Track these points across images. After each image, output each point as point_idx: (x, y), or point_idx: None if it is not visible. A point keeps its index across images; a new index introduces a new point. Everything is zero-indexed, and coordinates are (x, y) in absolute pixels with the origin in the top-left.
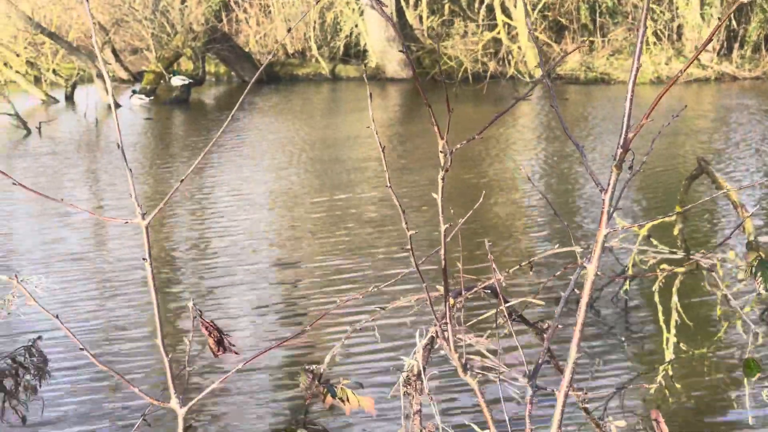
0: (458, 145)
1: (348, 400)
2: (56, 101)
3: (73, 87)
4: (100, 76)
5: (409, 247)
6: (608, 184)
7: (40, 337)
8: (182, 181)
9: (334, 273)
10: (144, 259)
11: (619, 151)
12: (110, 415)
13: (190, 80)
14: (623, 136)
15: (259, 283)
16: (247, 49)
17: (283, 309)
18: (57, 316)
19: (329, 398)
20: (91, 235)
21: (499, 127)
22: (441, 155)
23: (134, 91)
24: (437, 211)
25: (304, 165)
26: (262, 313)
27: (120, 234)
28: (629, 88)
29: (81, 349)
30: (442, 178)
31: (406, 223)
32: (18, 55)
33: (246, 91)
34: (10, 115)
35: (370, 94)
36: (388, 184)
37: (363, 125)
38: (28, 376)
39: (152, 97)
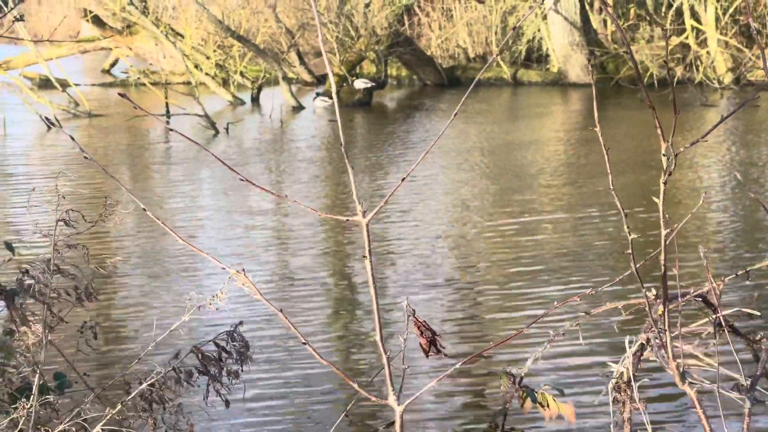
0: (682, 149)
1: (548, 405)
2: (243, 103)
3: (259, 89)
4: (285, 78)
5: (630, 251)
6: None
7: (241, 323)
8: (403, 179)
9: (541, 275)
10: (364, 256)
11: None
12: (309, 410)
13: (373, 83)
14: None
15: (457, 284)
16: (428, 53)
17: (489, 308)
18: (281, 310)
19: (529, 403)
20: (279, 231)
21: (680, 133)
22: (664, 158)
23: (318, 94)
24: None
25: (484, 168)
26: (464, 314)
27: (305, 231)
28: None
29: (303, 343)
30: (665, 182)
31: (627, 226)
32: (208, 58)
33: (465, 96)
34: (200, 116)
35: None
36: (611, 187)
37: (545, 130)
38: (230, 361)
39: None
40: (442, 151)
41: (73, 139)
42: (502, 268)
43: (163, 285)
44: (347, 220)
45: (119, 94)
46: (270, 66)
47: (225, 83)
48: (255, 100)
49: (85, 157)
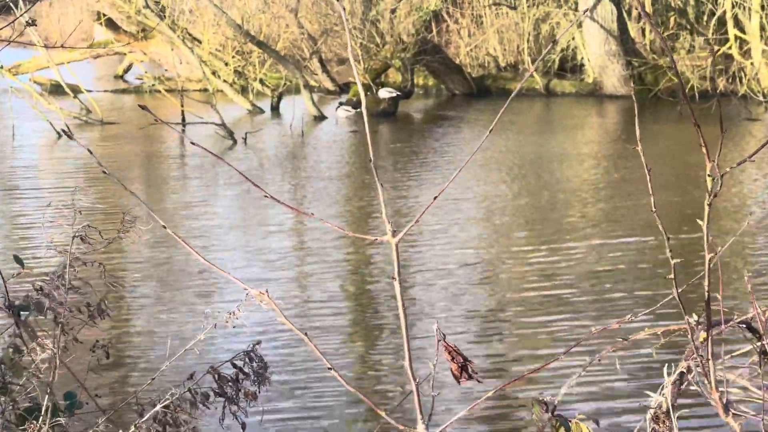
0: (728, 169)
1: None
2: (262, 111)
3: (279, 97)
4: (307, 86)
5: (672, 276)
6: None
7: (259, 342)
8: (435, 198)
9: (576, 300)
10: (393, 278)
11: None
12: None
13: (398, 93)
14: None
15: (488, 308)
16: (457, 61)
17: (522, 334)
18: (306, 334)
19: None
20: (301, 249)
21: (723, 148)
22: (708, 179)
23: (341, 103)
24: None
25: (516, 184)
26: (496, 339)
27: (328, 250)
28: None
29: (329, 368)
30: (709, 204)
31: (670, 250)
32: (226, 64)
33: (501, 112)
34: (217, 125)
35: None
36: (654, 209)
37: (579, 144)
38: (247, 382)
39: (358, 109)
40: (471, 165)
41: (91, 152)
42: (535, 291)
43: (179, 302)
44: (376, 240)
45: (140, 106)
46: (291, 73)
47: (243, 91)
48: (275, 109)
49: (104, 172)
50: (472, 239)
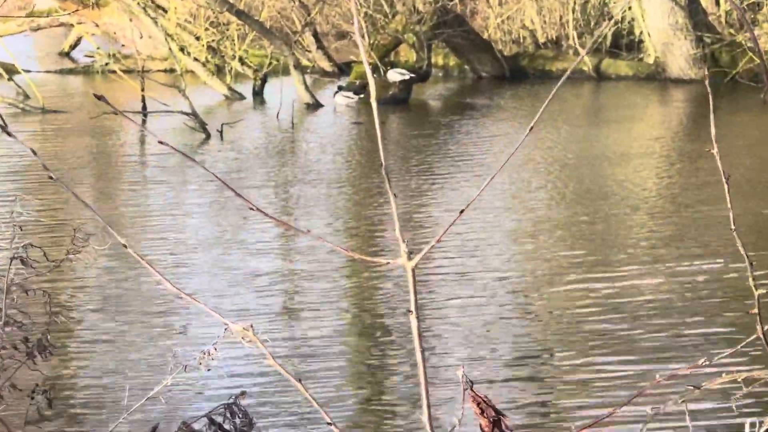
0: None
1: None
2: (242, 97)
3: (264, 80)
4: (298, 66)
5: (756, 310)
6: None
7: (243, 393)
8: (462, 212)
9: (635, 337)
10: (409, 311)
11: None
12: None
13: (412, 74)
14: None
15: (525, 346)
16: (485, 36)
17: (567, 380)
18: (300, 380)
19: None
20: (291, 272)
21: None
22: None
23: (340, 87)
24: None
25: (559, 190)
26: (535, 386)
27: (323, 273)
28: None
29: (329, 424)
30: None
31: (753, 277)
32: (198, 39)
33: (546, 103)
34: (186, 114)
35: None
36: (733, 227)
37: (638, 140)
38: None
39: (362, 95)
40: (505, 167)
41: (34, 153)
42: (582, 326)
43: (141, 338)
44: (387, 263)
45: (95, 95)
46: (278, 50)
47: (219, 72)
48: (258, 94)
49: (50, 177)
50: (507, 261)
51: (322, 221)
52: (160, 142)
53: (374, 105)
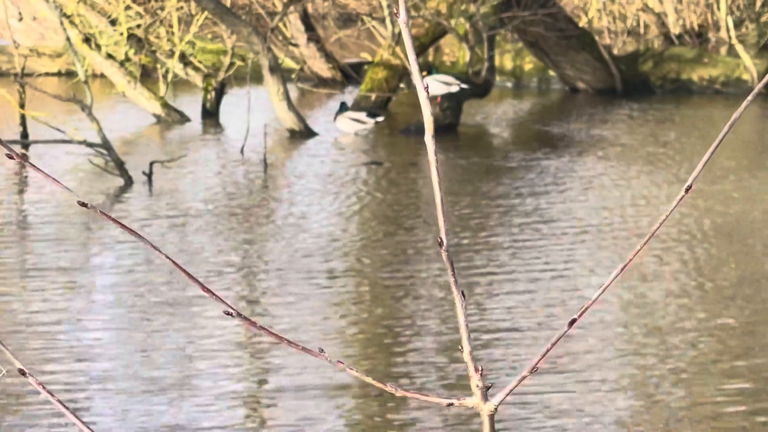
0: None
1: None
2: (184, 119)
3: (220, 91)
4: (276, 70)
5: None
6: None
7: None
8: (553, 345)
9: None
10: None
11: None
12: None
13: (462, 85)
14: None
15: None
16: (582, 24)
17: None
18: None
19: None
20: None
21: None
22: None
23: (344, 106)
24: None
25: (709, 266)
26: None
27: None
28: None
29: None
30: None
31: None
32: (114, 24)
33: (718, 140)
34: (92, 145)
35: None
36: None
37: None
38: None
39: (381, 119)
40: (622, 228)
41: None
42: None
43: None
44: (451, 405)
45: None
46: (245, 43)
47: (148, 78)
48: (210, 114)
49: None
50: (627, 378)
51: (325, 336)
52: (81, 204)
53: (429, 143)
